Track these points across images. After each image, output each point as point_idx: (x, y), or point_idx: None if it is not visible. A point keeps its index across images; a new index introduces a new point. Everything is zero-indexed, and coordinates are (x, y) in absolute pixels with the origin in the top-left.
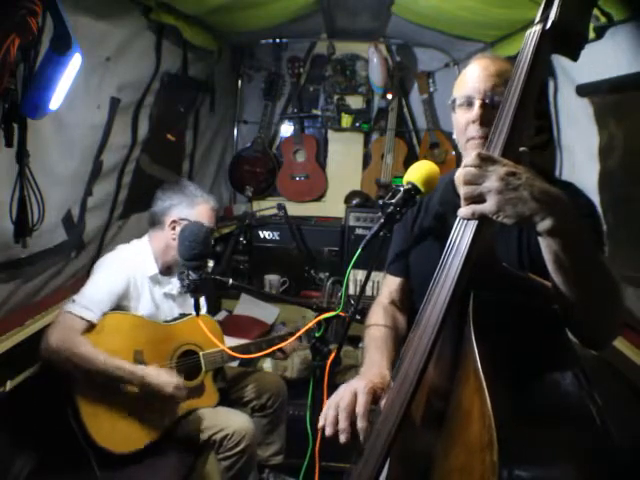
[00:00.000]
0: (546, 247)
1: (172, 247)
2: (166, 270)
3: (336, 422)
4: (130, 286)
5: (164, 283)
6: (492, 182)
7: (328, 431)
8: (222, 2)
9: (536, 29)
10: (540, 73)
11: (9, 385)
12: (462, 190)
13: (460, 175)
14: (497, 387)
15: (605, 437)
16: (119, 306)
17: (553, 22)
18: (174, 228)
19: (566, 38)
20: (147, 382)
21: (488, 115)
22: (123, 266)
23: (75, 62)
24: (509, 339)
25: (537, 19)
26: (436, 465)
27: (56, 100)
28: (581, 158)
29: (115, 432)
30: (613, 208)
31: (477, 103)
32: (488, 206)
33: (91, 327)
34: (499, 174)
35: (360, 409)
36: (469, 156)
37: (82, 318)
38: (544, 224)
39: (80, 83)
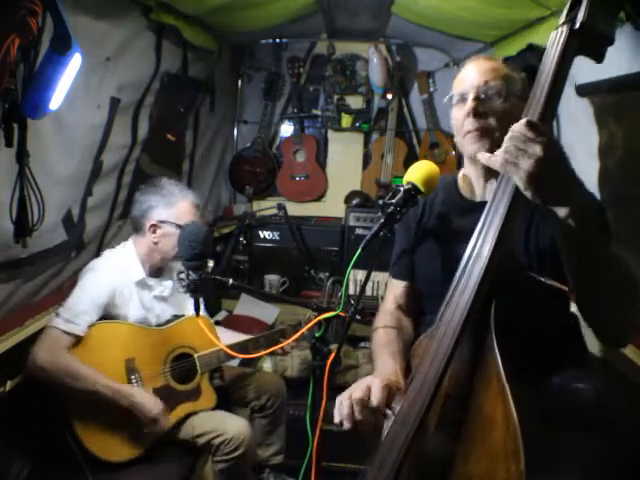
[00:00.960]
0: (567, 232)
1: (156, 250)
2: (155, 272)
3: (352, 414)
4: (115, 295)
5: (154, 286)
6: (538, 149)
7: (346, 425)
8: (222, 2)
9: (562, 30)
10: (566, 74)
11: (9, 385)
12: (504, 143)
13: (511, 130)
14: (519, 394)
15: (623, 442)
16: (108, 315)
17: (582, 23)
18: (155, 232)
19: (593, 39)
20: (134, 401)
21: (481, 107)
22: (106, 275)
23: (75, 62)
24: (530, 345)
25: (562, 20)
26: (454, 470)
27: (56, 100)
28: (581, 158)
29: (110, 442)
30: (613, 208)
31: (470, 97)
32: (525, 169)
33: (78, 340)
34: (547, 145)
35: (375, 401)
36: (469, 145)
37: (68, 333)
38: (566, 208)
39: (80, 83)
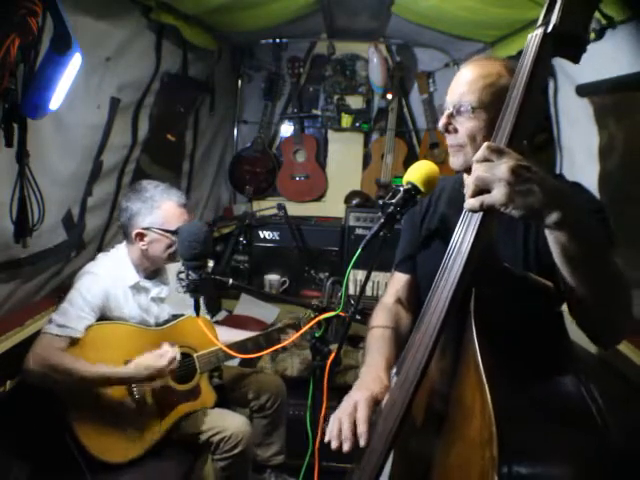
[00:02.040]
0: (554, 240)
1: (147, 256)
2: (151, 275)
3: (340, 434)
4: (110, 298)
5: (151, 288)
6: (503, 173)
7: (334, 445)
8: (222, 2)
9: (538, 32)
10: (541, 76)
11: (9, 385)
12: (471, 181)
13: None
14: (498, 383)
15: (605, 436)
16: (105, 317)
17: (555, 25)
18: (142, 239)
19: (567, 41)
20: (139, 380)
21: (452, 124)
22: (101, 279)
23: (75, 62)
24: (510, 336)
25: (539, 22)
26: (437, 461)
27: (56, 100)
28: (581, 158)
29: (110, 442)
30: (613, 208)
31: (445, 113)
32: (498, 196)
33: (73, 342)
34: (510, 165)
35: (360, 417)
36: (450, 158)
37: (60, 336)
38: (552, 217)
39: (80, 83)
